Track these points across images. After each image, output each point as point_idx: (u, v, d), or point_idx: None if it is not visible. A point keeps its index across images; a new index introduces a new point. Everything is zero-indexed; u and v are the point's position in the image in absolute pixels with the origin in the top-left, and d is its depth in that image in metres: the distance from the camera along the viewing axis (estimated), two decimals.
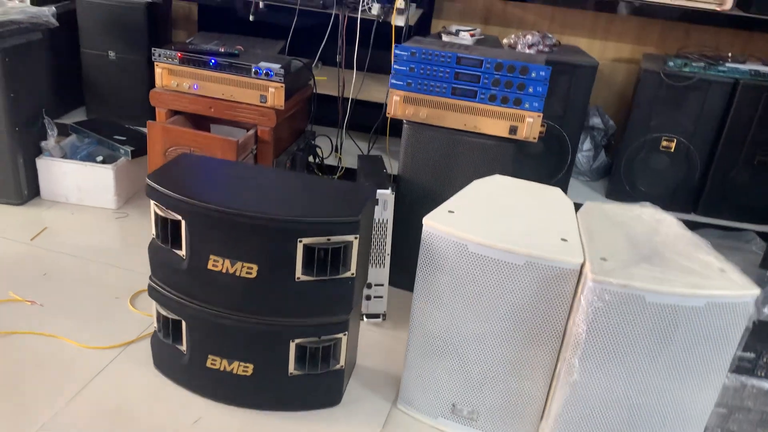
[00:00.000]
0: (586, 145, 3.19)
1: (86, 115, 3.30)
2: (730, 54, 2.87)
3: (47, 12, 2.79)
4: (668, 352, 1.54)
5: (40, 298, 2.24)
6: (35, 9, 2.77)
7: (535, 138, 2.22)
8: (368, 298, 2.25)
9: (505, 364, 1.73)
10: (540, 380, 1.72)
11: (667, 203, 2.88)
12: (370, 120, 2.98)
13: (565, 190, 3.01)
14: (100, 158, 2.86)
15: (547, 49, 2.91)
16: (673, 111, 2.82)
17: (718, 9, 2.75)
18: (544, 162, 2.97)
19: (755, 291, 1.49)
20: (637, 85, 2.88)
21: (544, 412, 1.76)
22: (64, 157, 2.85)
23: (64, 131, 3.00)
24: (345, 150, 3.11)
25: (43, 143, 2.80)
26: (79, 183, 2.82)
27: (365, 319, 2.28)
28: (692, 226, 2.83)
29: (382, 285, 2.24)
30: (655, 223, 1.77)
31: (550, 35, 2.97)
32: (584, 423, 1.64)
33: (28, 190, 2.83)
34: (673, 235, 1.70)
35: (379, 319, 2.29)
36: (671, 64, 2.78)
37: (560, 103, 2.86)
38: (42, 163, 2.82)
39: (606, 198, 3.05)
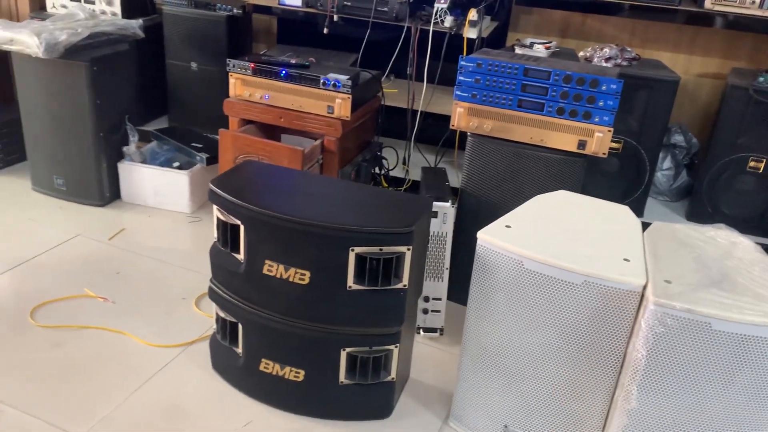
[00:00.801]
0: (667, 163, 3.04)
1: (168, 123, 3.46)
2: None
3: (135, 24, 2.95)
4: (737, 386, 1.43)
5: (113, 296, 2.35)
6: (124, 21, 2.94)
7: (605, 153, 2.13)
8: (425, 311, 2.22)
9: (559, 386, 1.66)
10: (596, 406, 1.64)
11: (753, 227, 2.73)
12: (439, 133, 2.97)
13: (641, 210, 2.89)
14: (176, 164, 2.98)
15: (625, 63, 2.80)
16: (763, 129, 2.64)
17: None
18: (619, 180, 2.86)
19: None
20: (722, 102, 2.72)
21: None
22: (144, 162, 2.98)
23: (146, 138, 3.14)
24: (413, 162, 3.10)
25: (125, 148, 2.95)
26: (157, 187, 2.95)
27: (422, 332, 2.25)
28: None
29: (440, 299, 2.21)
30: (730, 246, 1.65)
31: (629, 49, 2.86)
32: None
33: (110, 193, 2.98)
34: (748, 260, 1.59)
35: (436, 334, 2.25)
36: (761, 79, 2.61)
37: (638, 119, 2.75)
38: (123, 168, 2.96)
39: (687, 220, 2.89)
